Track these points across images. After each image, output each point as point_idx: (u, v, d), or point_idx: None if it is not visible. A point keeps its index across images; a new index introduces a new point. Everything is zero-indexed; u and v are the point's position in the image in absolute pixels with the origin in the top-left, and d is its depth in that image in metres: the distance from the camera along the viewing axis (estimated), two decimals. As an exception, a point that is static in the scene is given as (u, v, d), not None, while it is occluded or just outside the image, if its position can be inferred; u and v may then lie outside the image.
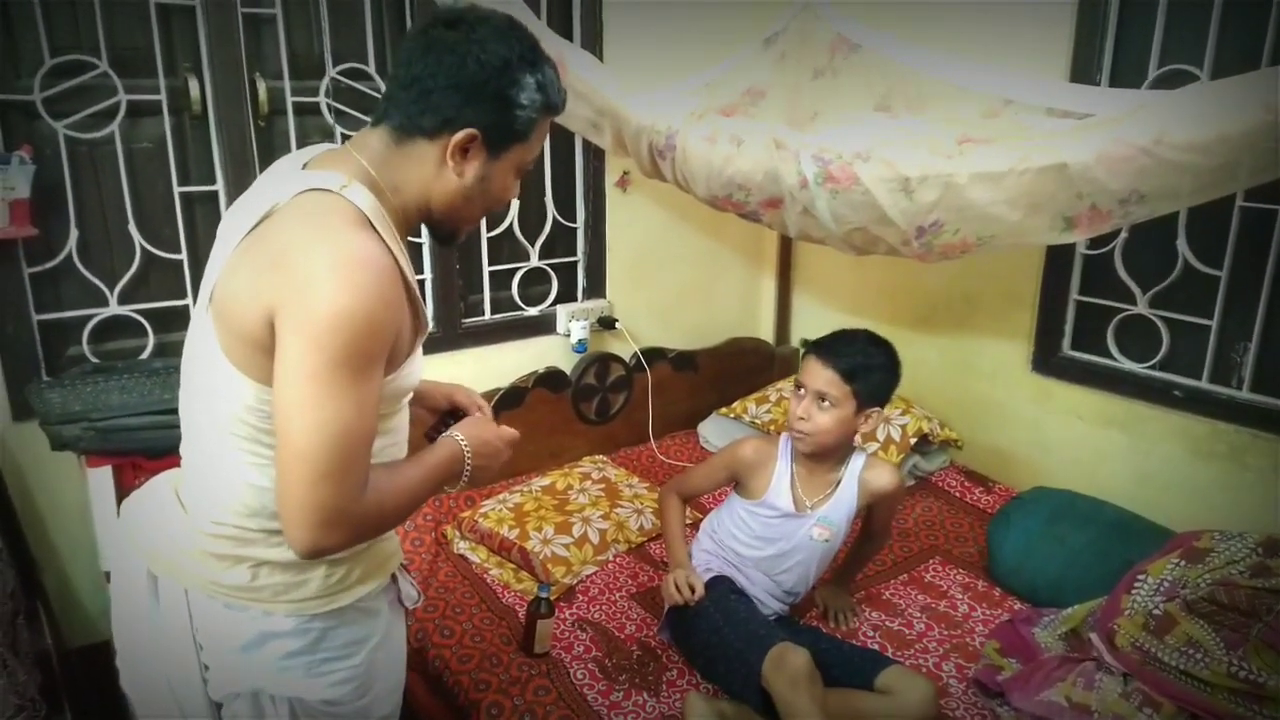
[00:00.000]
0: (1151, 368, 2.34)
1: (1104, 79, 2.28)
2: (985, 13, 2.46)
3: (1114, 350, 2.41)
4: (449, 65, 1.08)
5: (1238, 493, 2.16)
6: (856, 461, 1.89)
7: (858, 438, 1.92)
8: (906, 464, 2.68)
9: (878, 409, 1.82)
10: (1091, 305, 2.44)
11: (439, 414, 1.39)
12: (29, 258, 2.03)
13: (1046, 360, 2.54)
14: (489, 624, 1.98)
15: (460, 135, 1.09)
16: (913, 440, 2.64)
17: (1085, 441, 2.47)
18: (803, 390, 1.81)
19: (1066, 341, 2.51)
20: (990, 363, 2.69)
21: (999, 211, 1.83)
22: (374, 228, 1.06)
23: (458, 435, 1.24)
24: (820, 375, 1.78)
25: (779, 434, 1.97)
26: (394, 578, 1.31)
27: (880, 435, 2.63)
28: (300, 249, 1.01)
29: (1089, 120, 1.80)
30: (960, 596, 2.17)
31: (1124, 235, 2.32)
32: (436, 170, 1.12)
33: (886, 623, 2.05)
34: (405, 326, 1.09)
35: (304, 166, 1.13)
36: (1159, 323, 2.30)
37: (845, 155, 1.94)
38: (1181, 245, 2.21)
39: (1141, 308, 2.32)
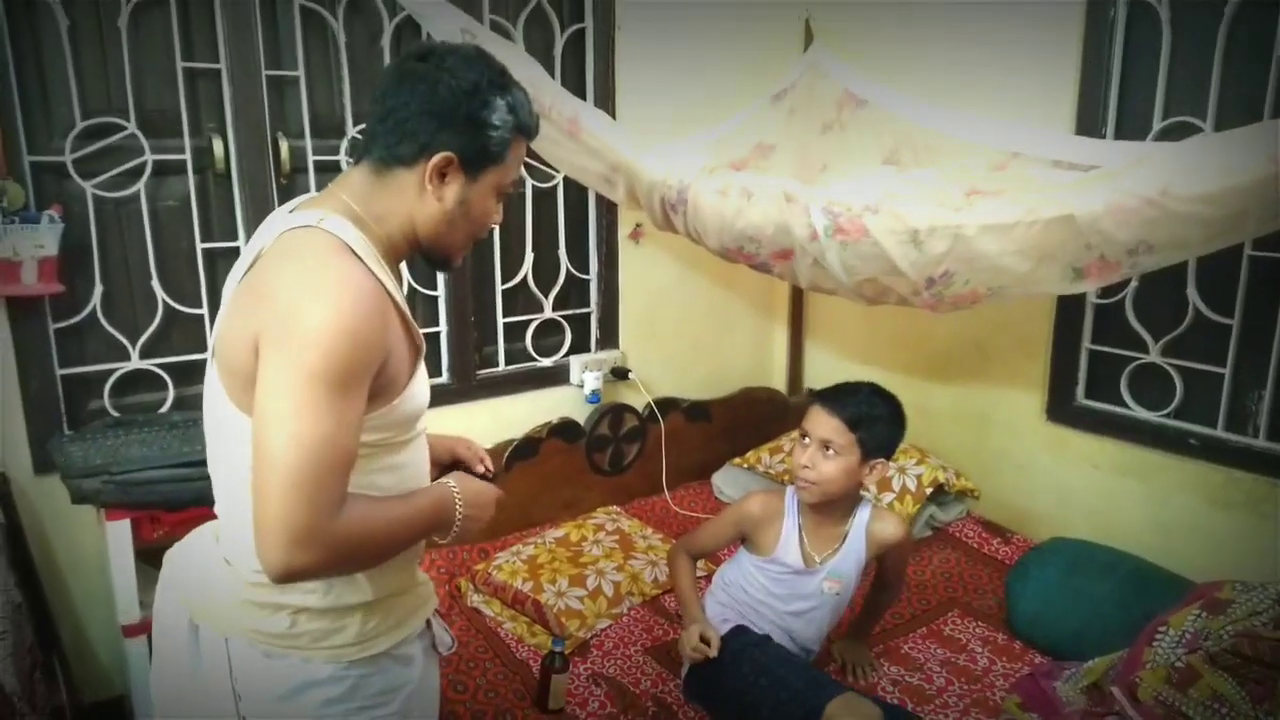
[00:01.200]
0: (1166, 416, 2.33)
1: (1109, 131, 2.31)
2: (991, 65, 2.51)
3: (1128, 399, 2.40)
4: (421, 93, 1.12)
5: (1256, 542, 2.14)
6: (863, 513, 1.89)
7: (869, 489, 1.92)
8: (923, 514, 2.67)
9: (883, 460, 1.82)
10: (1104, 354, 2.44)
11: (440, 467, 1.39)
12: (54, 313, 2.08)
13: (1061, 409, 2.53)
14: (503, 679, 1.96)
15: (437, 159, 1.13)
16: (928, 490, 2.63)
17: (1102, 491, 2.46)
18: (807, 439, 1.82)
19: (1080, 390, 2.51)
20: (1005, 412, 2.68)
21: (1009, 262, 1.85)
22: (355, 254, 1.09)
23: (451, 483, 1.24)
24: (825, 424, 1.79)
25: (785, 486, 1.97)
26: (428, 624, 1.32)
27: (896, 485, 2.62)
28: (280, 278, 1.05)
29: (1095, 172, 1.83)
30: (980, 650, 2.14)
31: (1134, 284, 2.33)
32: (417, 196, 1.15)
33: (906, 677, 2.03)
34: (399, 347, 1.11)
35: (291, 212, 1.16)
36: (1172, 371, 2.31)
37: (855, 208, 1.97)
38: (1192, 294, 2.22)
39: (1154, 356, 2.33)
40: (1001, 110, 2.44)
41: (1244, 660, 1.67)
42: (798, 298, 3.19)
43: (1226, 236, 1.70)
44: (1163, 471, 2.33)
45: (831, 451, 1.78)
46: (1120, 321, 2.38)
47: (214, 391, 1.14)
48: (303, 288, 1.03)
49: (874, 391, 1.85)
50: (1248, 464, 2.17)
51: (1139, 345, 2.36)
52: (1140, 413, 2.38)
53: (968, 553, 2.60)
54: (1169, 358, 2.31)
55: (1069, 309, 2.47)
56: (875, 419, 1.80)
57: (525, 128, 1.20)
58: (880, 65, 2.69)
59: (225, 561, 1.20)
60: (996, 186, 1.95)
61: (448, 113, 1.12)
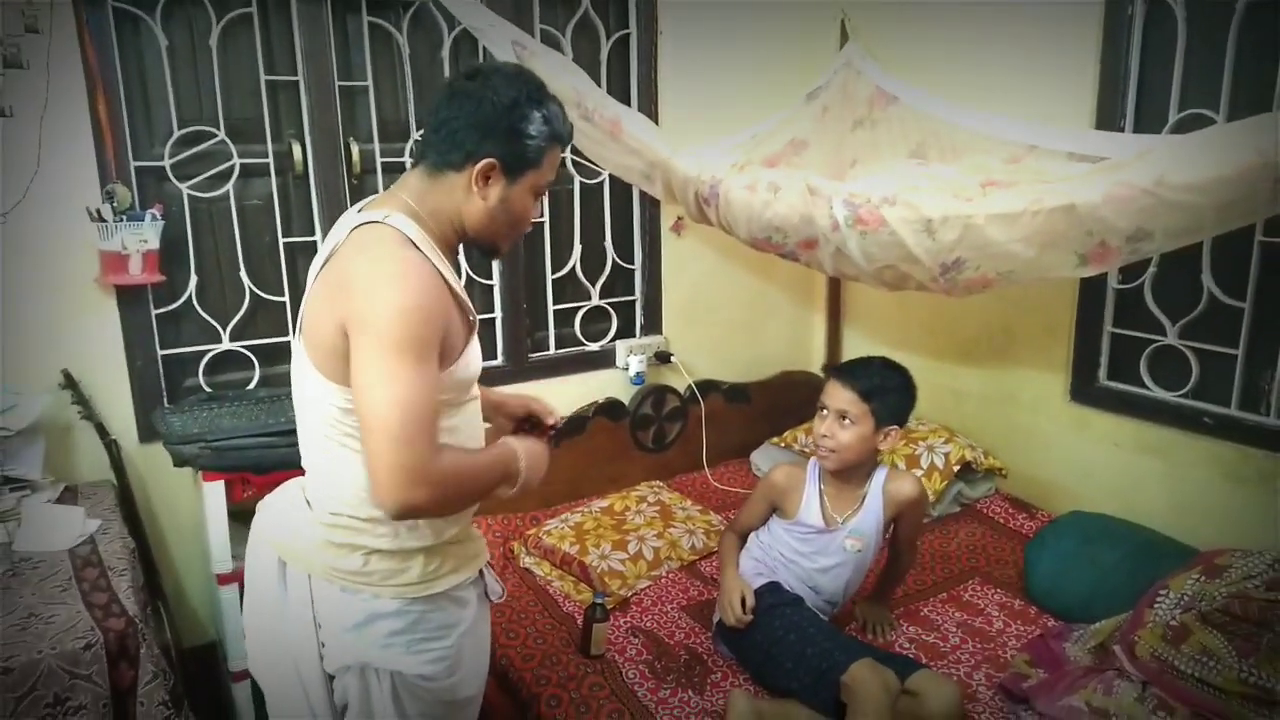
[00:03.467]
0: (1183, 396, 2.43)
1: (1128, 124, 2.41)
2: (1015, 63, 2.62)
3: (1147, 380, 2.50)
4: (468, 108, 1.31)
5: (1267, 515, 2.23)
6: (880, 475, 2.04)
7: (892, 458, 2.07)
8: (951, 491, 2.80)
9: (896, 427, 1.98)
10: (1124, 337, 2.54)
11: (515, 420, 1.59)
12: (155, 301, 2.34)
13: (1084, 390, 2.64)
14: (550, 629, 2.17)
15: (481, 164, 1.32)
16: (956, 468, 2.76)
17: (1123, 468, 2.56)
18: (825, 411, 1.99)
19: (1103, 372, 2.61)
20: (1030, 393, 2.80)
21: (1016, 249, 1.98)
22: (415, 245, 1.29)
23: (512, 441, 1.43)
24: (841, 396, 1.95)
25: (809, 458, 2.14)
26: (481, 574, 1.51)
27: (924, 462, 2.75)
28: (358, 269, 1.25)
29: (1100, 164, 1.95)
30: (996, 614, 2.27)
31: (1152, 269, 2.43)
32: (465, 196, 1.34)
33: (923, 636, 2.17)
34: (454, 322, 1.31)
35: (359, 211, 1.37)
36: (1188, 353, 2.40)
37: (873, 199, 2.12)
38: (1207, 279, 2.31)
39: (1171, 338, 2.42)
40: (1024, 106, 2.55)
41: (1233, 619, 1.79)
42: (835, 286, 3.33)
43: (1220, 224, 1.80)
44: (1180, 449, 2.42)
45: (848, 421, 1.95)
46: (1140, 305, 2.48)
47: (301, 362, 1.36)
48: (375, 276, 1.23)
49: (885, 364, 2.01)
50: (1260, 441, 2.26)
51: (1157, 328, 2.45)
52: (1159, 393, 2.48)
53: (993, 527, 2.72)
54: (1186, 340, 2.40)
55: (1091, 294, 2.57)
56: (887, 390, 1.96)
57: (559, 136, 1.38)
58: (910, 63, 2.82)
59: (308, 505, 1.41)
60: (1010, 178, 2.08)
61: (490, 125, 1.31)
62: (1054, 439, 2.75)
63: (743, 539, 2.17)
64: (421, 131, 2.55)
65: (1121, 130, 2.39)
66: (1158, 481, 2.48)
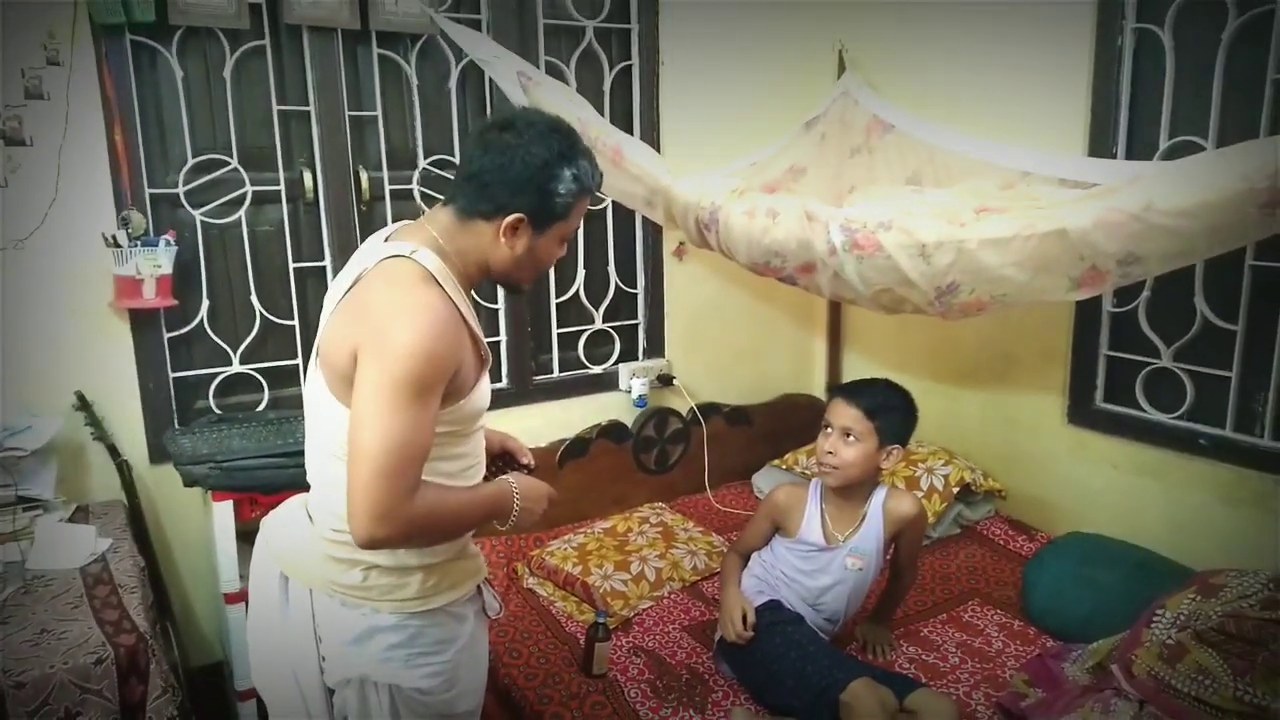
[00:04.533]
0: (1179, 418, 2.45)
1: (1120, 151, 2.46)
2: (1009, 91, 2.68)
3: (1143, 402, 2.53)
4: (501, 165, 1.35)
5: (1263, 536, 2.25)
6: (880, 494, 2.08)
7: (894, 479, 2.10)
8: (951, 513, 2.82)
9: (899, 446, 2.01)
10: (1120, 360, 2.58)
11: (492, 456, 1.61)
12: (168, 324, 2.39)
13: (1081, 412, 2.67)
14: (553, 648, 2.19)
15: (510, 219, 1.36)
16: (955, 489, 2.78)
17: (1120, 490, 2.59)
18: (829, 429, 2.02)
19: (1099, 394, 2.64)
20: (1028, 416, 2.83)
21: (1009, 273, 2.03)
22: (439, 283, 1.33)
23: (511, 480, 1.48)
24: (845, 413, 2.00)
25: (810, 479, 2.17)
26: (479, 590, 1.54)
27: (924, 484, 2.78)
28: (379, 301, 1.29)
29: (1091, 190, 2.00)
30: (995, 634, 2.28)
31: (1146, 293, 2.47)
32: (492, 243, 1.39)
33: (922, 656, 2.19)
34: (468, 359, 1.35)
35: (386, 239, 1.41)
36: (1183, 375, 2.43)
37: (870, 224, 2.16)
38: (1200, 302, 2.35)
39: (1166, 361, 2.46)
40: (1018, 133, 2.60)
41: (1228, 637, 1.81)
42: (835, 310, 3.37)
43: (1209, 248, 1.85)
44: (1176, 470, 2.45)
45: (852, 438, 1.99)
46: (1135, 329, 2.52)
47: (315, 382, 1.40)
48: (393, 310, 1.27)
49: (889, 385, 2.06)
50: (1255, 462, 2.28)
51: (1152, 351, 2.49)
52: (1154, 415, 2.51)
53: (993, 549, 2.74)
54: (1180, 362, 2.44)
55: (1087, 317, 2.61)
56: (891, 409, 2.01)
57: (588, 191, 1.42)
58: (906, 92, 2.88)
59: (310, 520, 1.44)
60: (1003, 204, 2.12)
61: (522, 183, 1.35)
62: (1052, 461, 2.77)
63: (745, 559, 2.20)
64: (439, 161, 2.64)
65: (1113, 157, 2.44)
66: (1155, 503, 2.51)
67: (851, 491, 2.05)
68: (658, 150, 2.88)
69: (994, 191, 2.23)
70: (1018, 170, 2.29)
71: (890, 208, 2.20)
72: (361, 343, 1.27)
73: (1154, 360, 2.49)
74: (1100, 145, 2.48)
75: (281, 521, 1.50)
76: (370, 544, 1.27)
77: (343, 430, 1.34)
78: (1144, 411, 2.53)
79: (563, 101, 2.40)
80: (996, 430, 2.92)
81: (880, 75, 2.96)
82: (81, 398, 2.26)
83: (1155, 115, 2.39)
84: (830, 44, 3.07)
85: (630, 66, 2.91)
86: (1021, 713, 1.92)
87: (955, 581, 2.56)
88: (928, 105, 2.80)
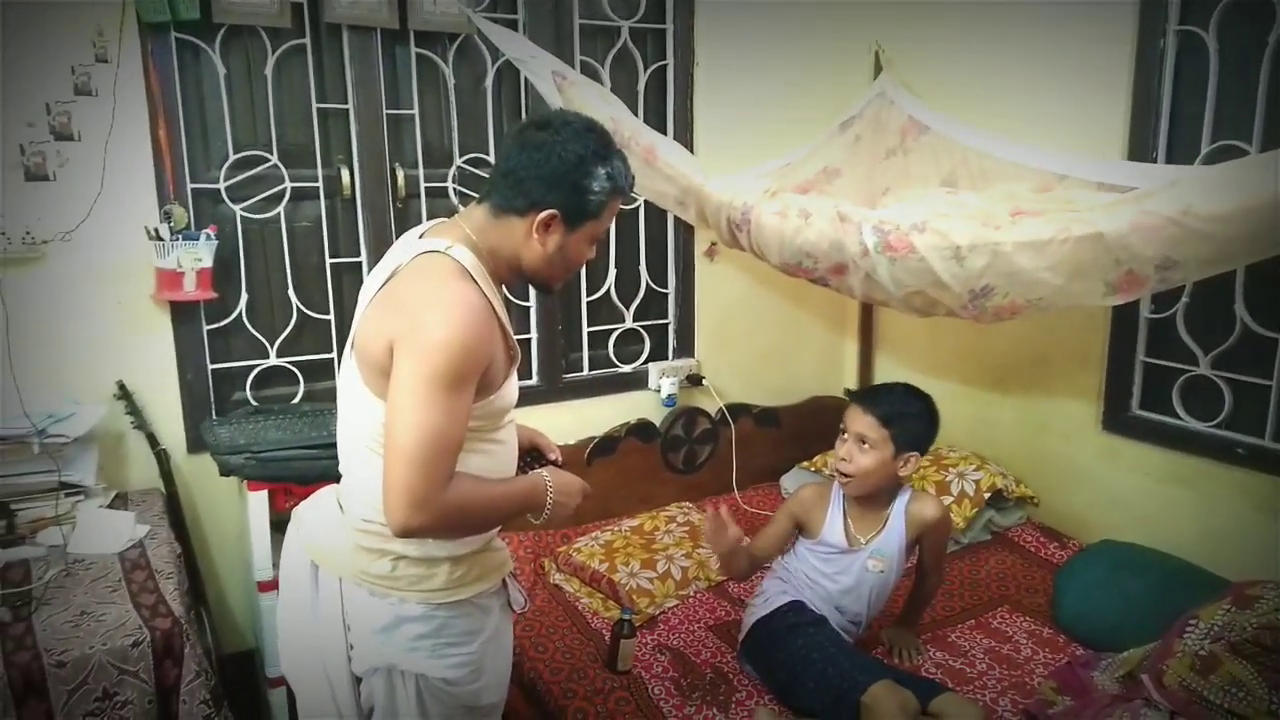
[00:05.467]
0: (1216, 426, 2.42)
1: (1160, 154, 2.43)
2: (1047, 93, 2.65)
3: (1180, 410, 2.49)
4: (537, 161, 1.37)
5: (1302, 548, 2.21)
6: (903, 497, 2.07)
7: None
8: (981, 519, 2.79)
9: (916, 454, 2.00)
10: (1157, 366, 2.54)
11: (521, 452, 1.62)
12: (207, 317, 2.44)
13: (1115, 419, 2.63)
14: (578, 644, 2.21)
15: (544, 215, 1.38)
16: (986, 495, 2.76)
17: (1154, 498, 2.55)
18: (845, 435, 2.01)
19: (1135, 401, 2.60)
20: (1062, 422, 2.79)
21: (1044, 277, 2.01)
22: (473, 278, 1.35)
23: (545, 474, 1.50)
24: (860, 420, 1.98)
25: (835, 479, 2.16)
26: (504, 583, 1.56)
27: (954, 490, 2.76)
28: (415, 295, 1.32)
29: (1127, 194, 1.97)
30: (1024, 641, 2.26)
31: (1185, 299, 2.43)
32: (525, 240, 1.40)
33: (949, 662, 2.17)
34: (499, 355, 1.37)
35: (421, 236, 1.44)
36: (1221, 383, 2.39)
37: (903, 226, 2.15)
38: (1240, 309, 2.31)
39: (1204, 369, 2.42)
40: (1056, 136, 2.57)
41: (1263, 650, 1.78)
42: (867, 312, 3.35)
43: (1249, 254, 1.82)
44: (1212, 479, 2.41)
45: (867, 446, 1.97)
46: (1172, 335, 2.48)
47: (349, 373, 1.42)
48: (429, 304, 1.29)
49: (907, 390, 2.03)
50: (1294, 473, 2.24)
51: (1190, 358, 2.45)
52: (1191, 423, 2.47)
53: (1024, 555, 2.71)
54: (1218, 370, 2.40)
55: (1123, 323, 2.57)
56: (907, 415, 1.99)
57: (620, 190, 1.44)
58: (942, 93, 2.86)
59: (340, 510, 1.46)
60: (1038, 207, 2.10)
61: (556, 179, 1.37)
62: (1086, 468, 2.74)
63: (753, 564, 2.12)
64: (474, 160, 2.66)
65: (1153, 161, 2.41)
66: (1189, 512, 2.47)
67: (873, 495, 2.04)
68: (691, 150, 2.88)
69: (1029, 194, 2.21)
70: (1054, 173, 2.26)
71: (924, 209, 2.19)
72: (397, 336, 1.29)
73: (1192, 368, 2.45)
74: (1140, 148, 2.44)
75: (312, 511, 1.53)
76: (406, 532, 1.29)
77: (375, 423, 1.36)
78: (1180, 419, 2.49)
79: (597, 101, 2.42)
80: (1029, 436, 2.89)
81: (916, 76, 2.94)
82: (122, 387, 2.32)
83: (1197, 118, 2.36)
84: (866, 45, 3.06)
85: (665, 67, 2.92)
86: (1049, 720, 1.91)
87: (985, 588, 2.54)
88: (964, 107, 2.77)
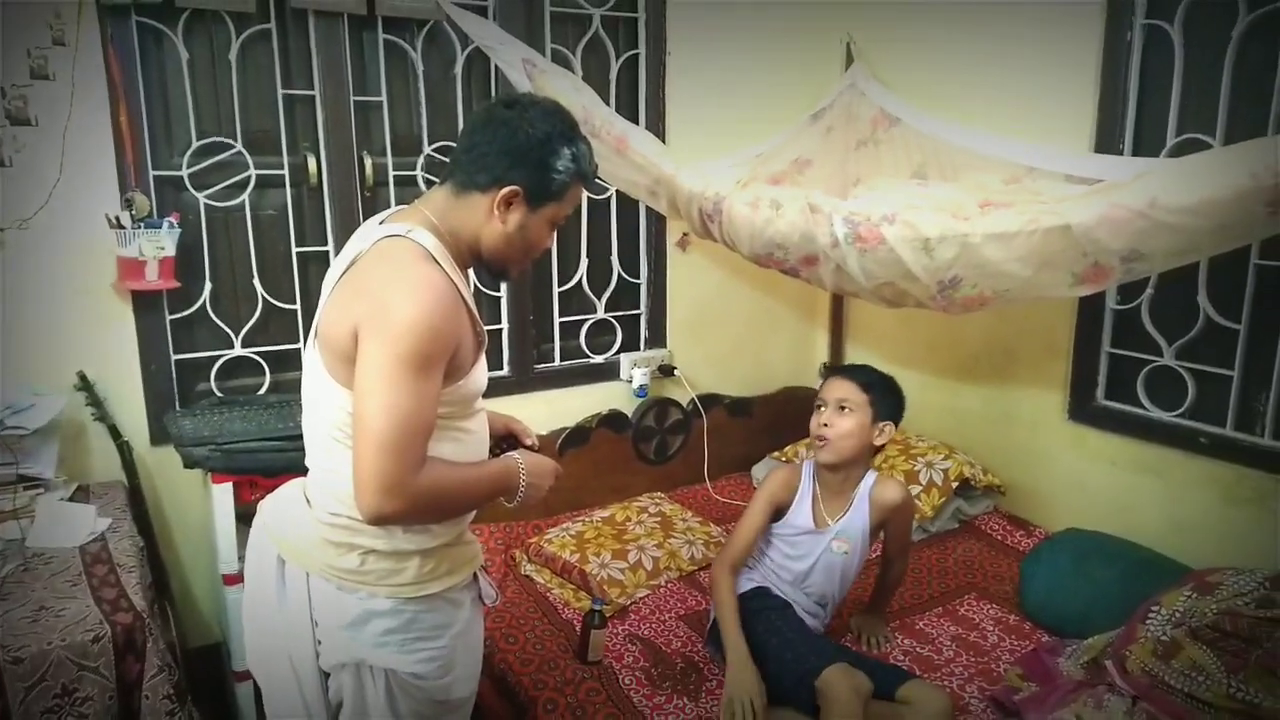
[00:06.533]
0: (1179, 416, 2.45)
1: (1127, 147, 2.45)
2: (1016, 86, 2.67)
3: (1144, 399, 2.53)
4: (503, 135, 1.36)
5: (1263, 535, 2.25)
6: (869, 479, 2.09)
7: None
8: (950, 507, 2.82)
9: (891, 424, 2.04)
10: (1122, 357, 2.57)
11: (496, 438, 1.62)
12: (171, 306, 2.40)
13: (1081, 409, 2.67)
14: (549, 634, 2.20)
15: (506, 190, 1.37)
16: (954, 484, 2.79)
17: (1120, 487, 2.58)
18: (823, 406, 2.05)
19: (1100, 391, 2.63)
20: (1029, 412, 2.82)
21: (1012, 268, 2.02)
22: (436, 261, 1.33)
23: (517, 456, 1.49)
24: (840, 387, 2.04)
25: (802, 462, 2.18)
26: (475, 577, 1.55)
27: (923, 479, 2.78)
28: (378, 279, 1.30)
29: (1096, 186, 1.98)
30: (991, 629, 2.29)
31: (1150, 291, 2.46)
32: (486, 218, 1.39)
33: (917, 649, 2.19)
34: (466, 338, 1.35)
35: (381, 222, 1.42)
36: (1185, 373, 2.43)
37: (873, 217, 2.16)
38: (1203, 300, 2.34)
39: (1168, 359, 2.45)
40: (1025, 128, 2.59)
41: (1223, 635, 1.81)
42: (838, 302, 3.37)
43: (1213, 245, 1.84)
44: (1176, 469, 2.44)
45: (847, 410, 2.01)
46: (1137, 326, 2.51)
47: (313, 363, 1.40)
48: (393, 288, 1.27)
49: (877, 369, 2.12)
50: (1256, 461, 2.28)
51: (1154, 349, 2.48)
52: (1156, 413, 2.50)
53: (990, 544, 2.74)
54: (1182, 360, 2.43)
55: (1090, 314, 2.60)
56: (885, 387, 2.06)
57: (584, 175, 1.43)
58: (913, 85, 2.87)
59: (307, 503, 1.44)
60: (1007, 199, 2.12)
61: (521, 154, 1.36)
62: (1052, 457, 2.77)
63: (737, 572, 2.08)
64: (443, 148, 2.64)
65: (1120, 153, 2.43)
66: (1154, 500, 2.50)
67: (844, 473, 2.06)
68: (663, 140, 2.87)
69: (998, 186, 2.22)
70: (1023, 165, 2.28)
71: (894, 201, 2.19)
72: (361, 321, 1.27)
73: (1156, 358, 2.48)
74: (1107, 141, 2.47)
75: (279, 504, 1.51)
76: (378, 519, 1.28)
77: (341, 413, 1.34)
78: (1145, 409, 2.53)
79: (568, 89, 2.40)
80: (997, 425, 2.92)
81: (887, 69, 2.95)
82: (83, 378, 2.27)
83: (1163, 112, 2.38)
84: (838, 36, 3.06)
85: (637, 56, 2.90)
86: (1015, 706, 1.93)
87: (952, 575, 2.56)
88: (935, 99, 2.78)
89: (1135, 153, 2.44)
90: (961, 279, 2.11)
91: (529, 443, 1.64)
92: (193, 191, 2.38)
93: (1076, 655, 2.06)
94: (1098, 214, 1.89)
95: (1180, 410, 2.45)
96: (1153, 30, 2.39)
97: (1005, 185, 2.22)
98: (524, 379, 2.91)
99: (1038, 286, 2.05)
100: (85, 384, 2.27)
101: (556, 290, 2.95)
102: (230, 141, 2.40)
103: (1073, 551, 2.37)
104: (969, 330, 2.91)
